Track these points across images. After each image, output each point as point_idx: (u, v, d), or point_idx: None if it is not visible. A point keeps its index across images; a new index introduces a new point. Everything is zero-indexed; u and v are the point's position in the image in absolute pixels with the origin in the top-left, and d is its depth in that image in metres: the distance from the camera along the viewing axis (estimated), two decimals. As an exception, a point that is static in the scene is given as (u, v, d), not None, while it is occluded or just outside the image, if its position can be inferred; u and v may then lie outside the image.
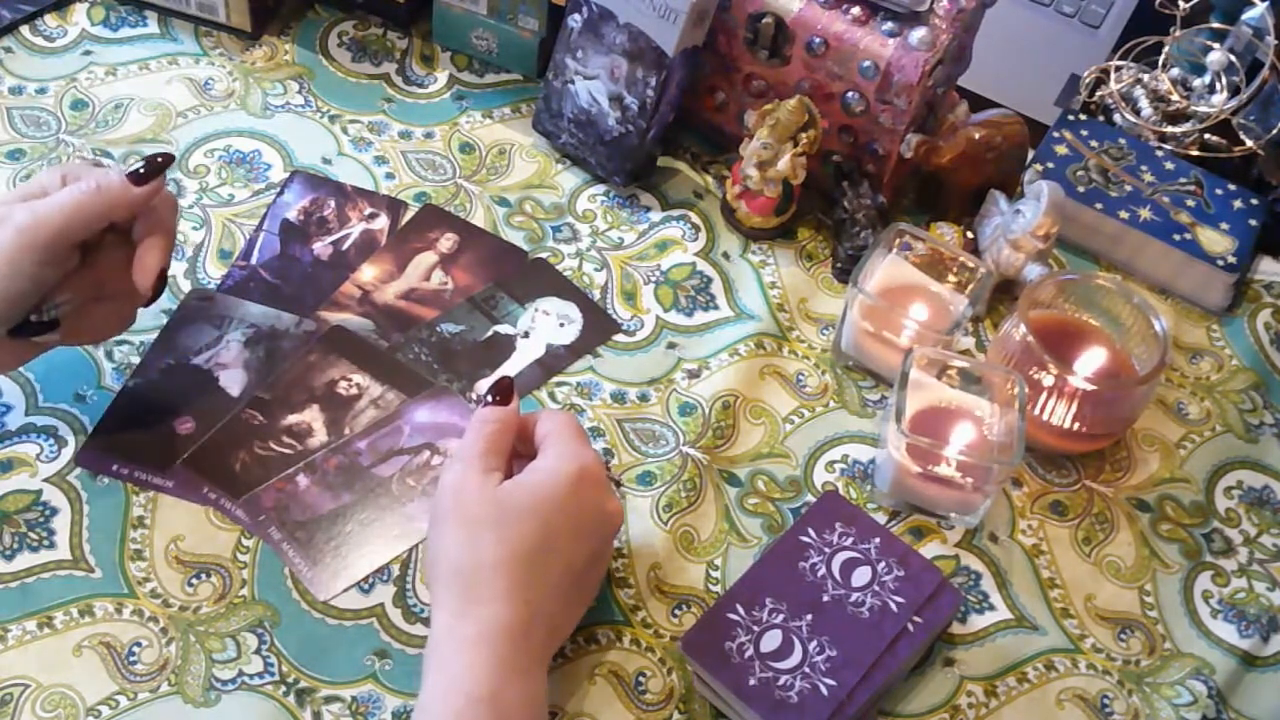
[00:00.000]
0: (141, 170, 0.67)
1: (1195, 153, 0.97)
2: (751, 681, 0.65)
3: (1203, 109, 0.97)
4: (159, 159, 0.67)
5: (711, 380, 0.82)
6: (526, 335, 0.83)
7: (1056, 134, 0.95)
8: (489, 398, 0.68)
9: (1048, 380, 0.77)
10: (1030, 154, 0.94)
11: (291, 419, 0.76)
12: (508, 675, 0.59)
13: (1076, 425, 0.78)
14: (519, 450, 0.68)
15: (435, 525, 0.64)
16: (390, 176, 0.90)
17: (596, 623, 0.71)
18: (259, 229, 0.85)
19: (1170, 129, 0.98)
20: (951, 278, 0.84)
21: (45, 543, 0.70)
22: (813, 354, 0.85)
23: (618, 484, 0.76)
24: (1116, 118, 0.99)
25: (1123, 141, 0.95)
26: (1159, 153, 0.95)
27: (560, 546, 0.63)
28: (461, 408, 0.78)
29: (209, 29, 0.97)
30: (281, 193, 0.88)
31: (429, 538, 0.64)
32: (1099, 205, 0.91)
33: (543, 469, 0.65)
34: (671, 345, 0.84)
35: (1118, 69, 1.00)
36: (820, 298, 0.88)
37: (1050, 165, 0.93)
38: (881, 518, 0.77)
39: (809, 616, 0.68)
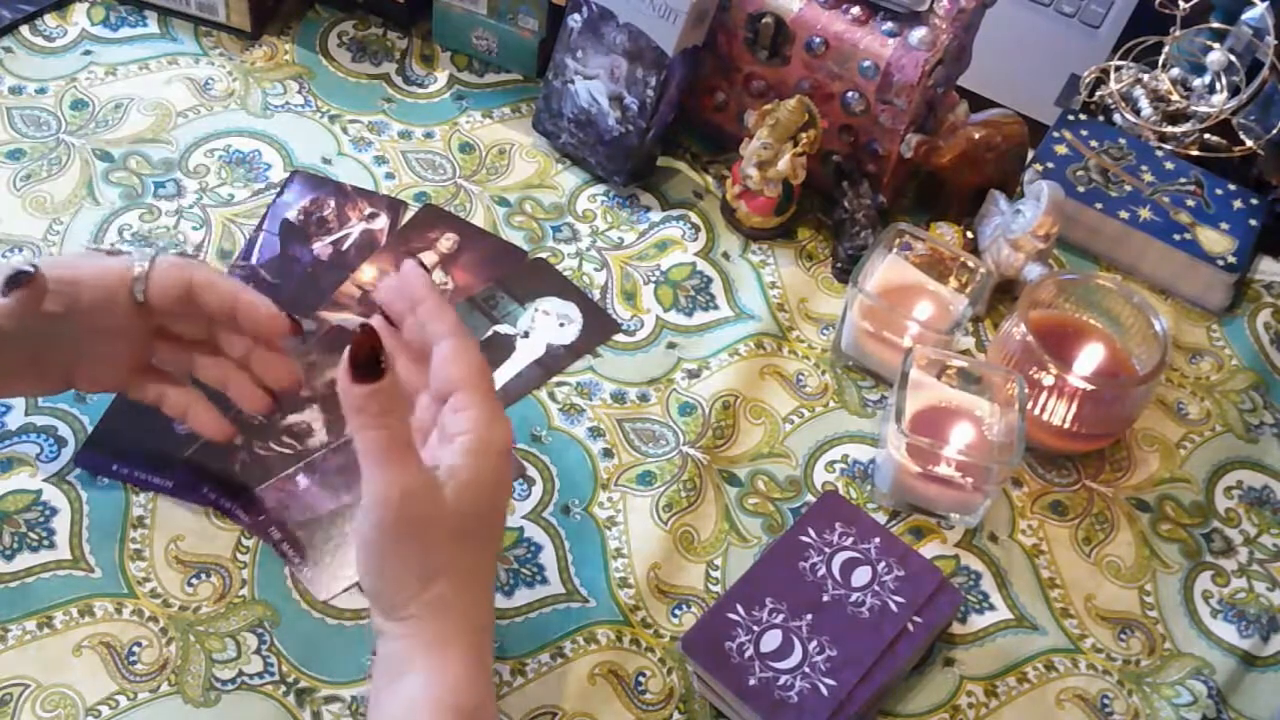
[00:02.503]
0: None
1: (1195, 153, 0.97)
2: (751, 681, 0.65)
3: (1203, 109, 0.97)
4: (19, 276, 0.63)
5: (711, 380, 0.82)
6: (526, 335, 0.83)
7: (1056, 134, 0.95)
8: (353, 367, 0.56)
9: (1047, 380, 0.77)
10: (1030, 154, 0.94)
11: (291, 419, 0.76)
12: (487, 682, 0.58)
13: (1076, 425, 0.78)
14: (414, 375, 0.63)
15: (388, 552, 0.58)
16: (390, 176, 0.90)
17: (596, 623, 0.71)
18: (259, 229, 0.85)
19: (1170, 129, 0.98)
20: (952, 278, 0.84)
21: (45, 543, 0.70)
22: (813, 354, 0.85)
23: None
24: (1116, 118, 0.99)
25: (1123, 141, 0.95)
26: (1159, 153, 0.95)
27: (500, 529, 0.62)
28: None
29: (209, 29, 0.97)
30: (281, 193, 0.88)
31: (379, 555, 0.58)
32: (1099, 205, 0.91)
33: (479, 456, 0.58)
34: (671, 345, 0.84)
35: (1118, 69, 1.00)
36: (820, 298, 0.88)
37: (1050, 165, 0.93)
38: (881, 518, 0.77)
39: (809, 616, 0.68)
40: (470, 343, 0.61)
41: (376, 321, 0.64)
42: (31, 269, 0.63)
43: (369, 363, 0.56)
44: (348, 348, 0.56)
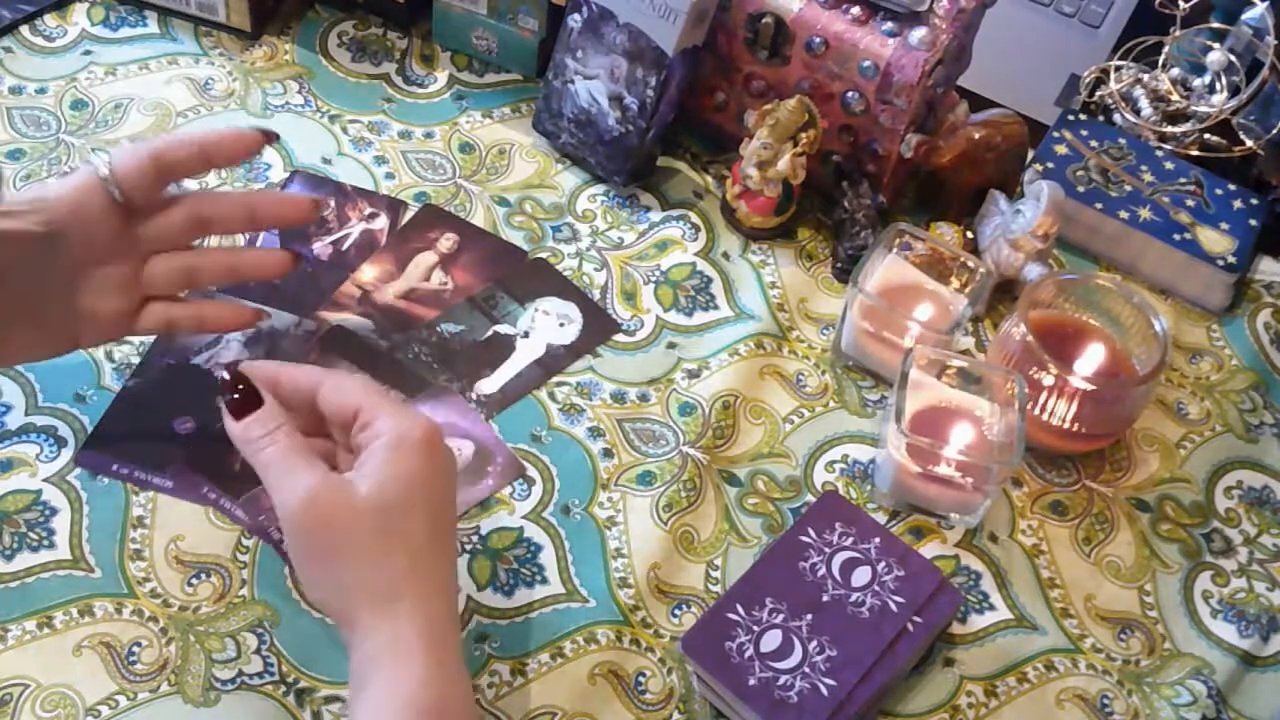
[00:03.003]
0: None
1: (1195, 153, 0.97)
2: (751, 681, 0.65)
3: (1203, 109, 0.97)
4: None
5: (711, 380, 0.82)
6: (526, 335, 0.83)
7: (1056, 134, 0.95)
8: (229, 403, 0.59)
9: (1048, 380, 0.77)
10: (1030, 154, 0.94)
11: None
12: (454, 676, 0.57)
13: (1076, 425, 0.78)
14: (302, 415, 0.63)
15: (316, 560, 0.58)
16: (390, 176, 0.90)
17: (596, 623, 0.71)
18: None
19: (1170, 129, 0.98)
20: (952, 278, 0.84)
21: (45, 543, 0.70)
22: (813, 354, 0.85)
23: None
24: (1116, 118, 0.99)
25: (1123, 141, 0.95)
26: (1159, 153, 0.95)
27: (444, 519, 0.61)
28: (461, 408, 0.78)
29: (209, 29, 0.97)
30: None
31: (312, 573, 0.58)
32: (1099, 205, 0.91)
33: (396, 450, 0.58)
34: (671, 345, 0.84)
35: (1118, 69, 1.00)
36: (820, 298, 0.88)
37: (1050, 165, 0.93)
38: (881, 518, 0.77)
39: (809, 616, 0.68)
40: (342, 374, 0.62)
41: (246, 365, 0.64)
42: None
43: (245, 395, 0.59)
44: (220, 396, 0.59)
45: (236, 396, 0.60)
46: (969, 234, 0.90)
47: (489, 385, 0.80)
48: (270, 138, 0.70)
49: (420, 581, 0.58)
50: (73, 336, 0.68)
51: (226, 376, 0.60)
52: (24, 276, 0.64)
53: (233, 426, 0.60)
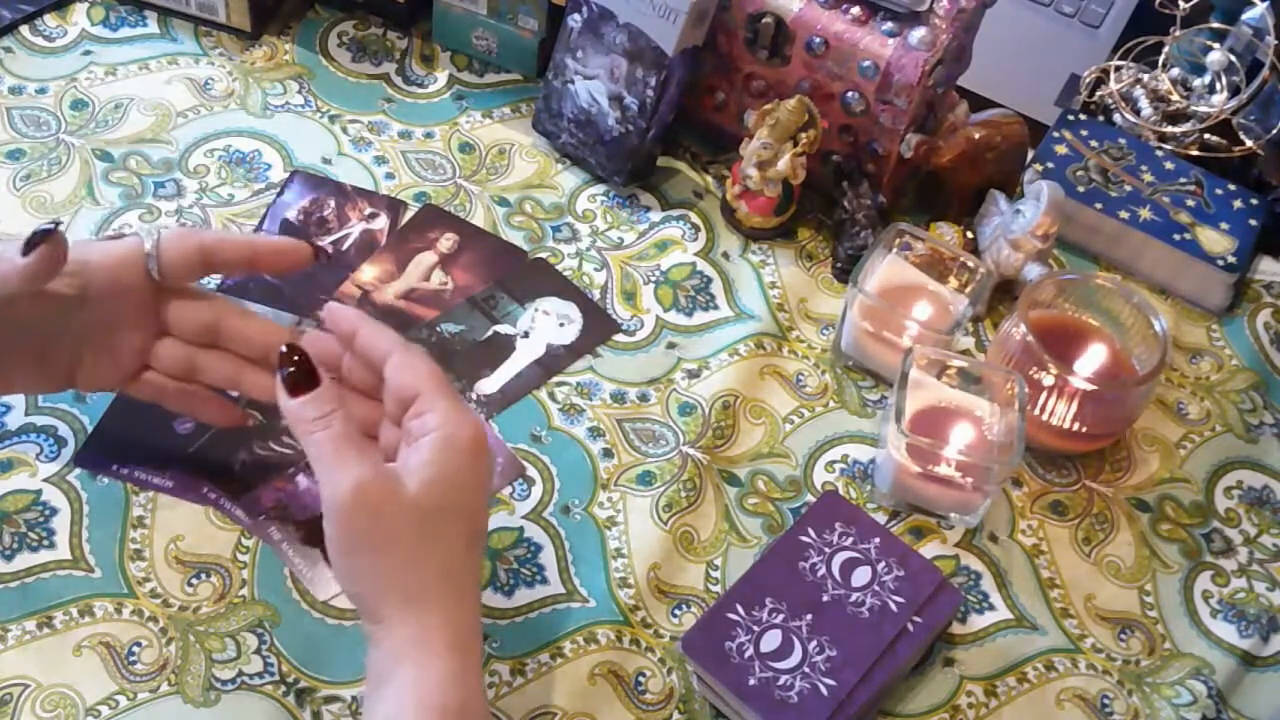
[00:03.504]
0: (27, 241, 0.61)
1: (1195, 153, 0.97)
2: (751, 681, 0.65)
3: (1203, 109, 0.97)
4: (38, 234, 0.60)
5: (711, 380, 0.82)
6: (526, 335, 0.83)
7: (1056, 134, 0.95)
8: (285, 377, 0.58)
9: (1048, 380, 0.77)
10: (1030, 154, 0.94)
11: (291, 419, 0.76)
12: (475, 679, 0.57)
13: (1076, 425, 0.78)
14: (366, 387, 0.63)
15: (354, 552, 0.57)
16: (390, 176, 0.90)
17: (596, 623, 0.71)
18: (259, 229, 0.85)
19: (1170, 129, 0.98)
20: (952, 278, 0.84)
21: (45, 543, 0.70)
22: (813, 354, 0.85)
23: None
24: (1116, 118, 0.99)
25: (1123, 141, 0.95)
26: (1159, 153, 0.95)
27: (480, 525, 0.61)
28: (461, 408, 0.78)
29: (209, 29, 0.97)
30: (281, 192, 0.88)
31: (347, 563, 0.58)
32: (1099, 205, 0.91)
33: (444, 450, 0.58)
34: (671, 345, 0.84)
35: (1118, 69, 1.00)
36: (820, 298, 0.88)
37: (1050, 165, 0.93)
38: (881, 518, 0.77)
39: (809, 616, 0.68)
40: (417, 351, 0.61)
41: (307, 338, 0.64)
42: (52, 225, 0.61)
43: (302, 372, 0.58)
44: (279, 370, 0.58)
45: (292, 371, 0.59)
46: (969, 234, 0.90)
47: (489, 385, 0.80)
48: (321, 255, 0.69)
49: (452, 585, 0.58)
50: (70, 381, 0.68)
51: (284, 350, 0.59)
52: (44, 329, 0.65)
53: (287, 402, 0.59)
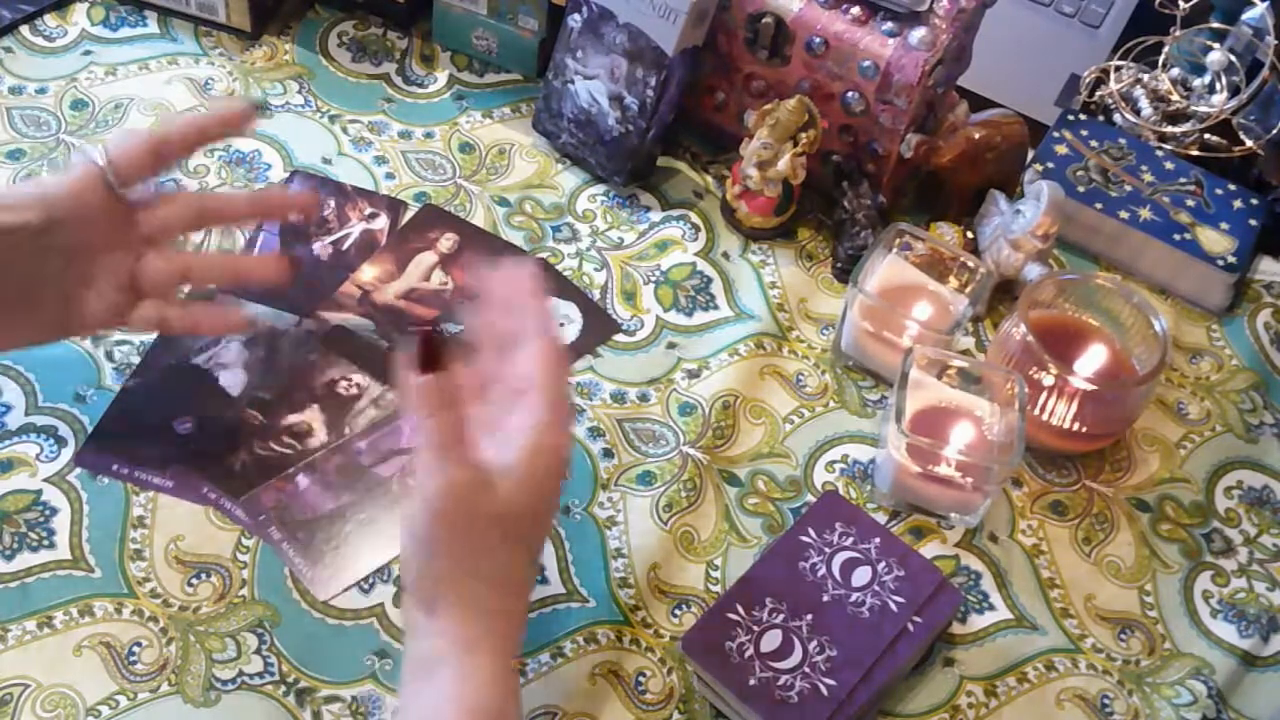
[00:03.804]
0: None
1: (1195, 153, 0.97)
2: (751, 681, 0.65)
3: (1203, 109, 0.97)
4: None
5: (711, 380, 0.82)
6: (526, 335, 0.83)
7: (1056, 134, 0.95)
8: (416, 361, 0.58)
9: (1048, 380, 0.77)
10: (1030, 154, 0.94)
11: (291, 419, 0.76)
12: (515, 687, 0.59)
13: (1076, 425, 0.78)
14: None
15: (428, 545, 0.58)
16: (390, 176, 0.90)
17: (596, 623, 0.71)
18: (259, 229, 0.85)
19: (1170, 129, 0.98)
20: (951, 278, 0.84)
21: (45, 543, 0.70)
22: (813, 354, 0.85)
23: None
24: (1116, 118, 0.99)
25: (1123, 141, 0.95)
26: (1159, 153, 0.95)
27: (543, 537, 0.63)
28: (461, 408, 0.78)
29: (209, 29, 0.97)
30: (281, 193, 0.88)
31: (416, 553, 0.58)
32: (1099, 205, 0.91)
33: (534, 456, 0.59)
34: (671, 345, 0.84)
35: (1118, 69, 1.00)
36: (820, 298, 0.88)
37: (1050, 165, 0.93)
38: (881, 518, 0.77)
39: (809, 616, 0.68)
40: (557, 349, 0.61)
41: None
42: None
43: (433, 355, 0.58)
44: (417, 341, 0.58)
45: (425, 350, 0.59)
46: (969, 234, 0.90)
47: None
48: (259, 108, 0.70)
49: (509, 594, 0.60)
50: (65, 324, 0.68)
51: (429, 329, 0.60)
52: (22, 267, 0.65)
53: (412, 379, 0.59)
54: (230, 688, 0.66)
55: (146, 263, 0.68)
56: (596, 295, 0.85)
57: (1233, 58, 0.96)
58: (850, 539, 0.71)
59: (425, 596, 0.58)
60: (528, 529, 0.60)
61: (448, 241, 0.87)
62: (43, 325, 0.68)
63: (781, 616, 0.68)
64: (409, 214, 0.88)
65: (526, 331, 0.62)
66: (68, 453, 0.73)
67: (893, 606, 0.68)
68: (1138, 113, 0.98)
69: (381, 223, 0.87)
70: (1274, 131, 0.95)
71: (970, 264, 0.83)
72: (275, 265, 0.72)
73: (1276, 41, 0.95)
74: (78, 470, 0.72)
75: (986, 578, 0.76)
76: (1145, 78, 0.99)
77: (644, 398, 0.81)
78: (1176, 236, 0.90)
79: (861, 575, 0.70)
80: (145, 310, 0.69)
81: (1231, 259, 0.89)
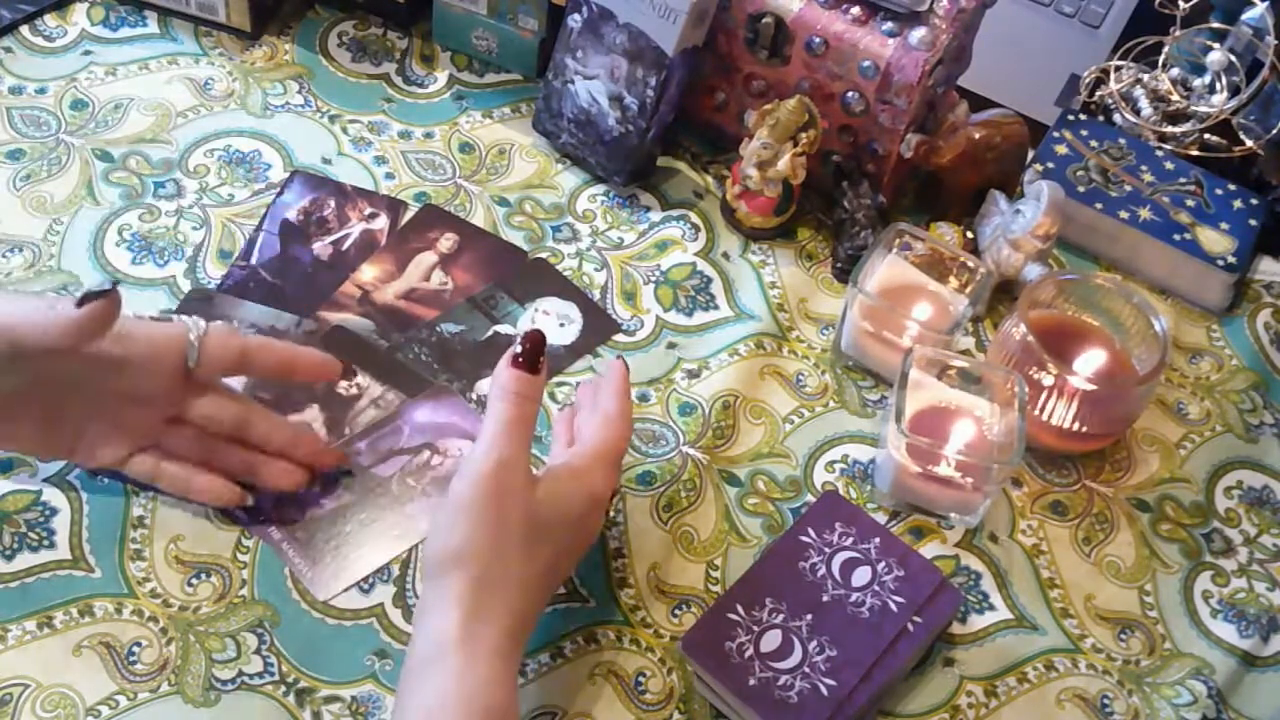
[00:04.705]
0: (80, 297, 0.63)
1: (1195, 153, 0.97)
2: (751, 681, 0.65)
3: (1203, 109, 0.97)
4: (95, 292, 0.63)
5: (711, 380, 0.82)
6: (526, 335, 0.83)
7: (1056, 134, 0.95)
8: (518, 355, 0.63)
9: (1048, 380, 0.77)
10: (1030, 154, 0.94)
11: (291, 419, 0.76)
12: (513, 689, 0.59)
13: (1076, 425, 0.78)
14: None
15: (464, 517, 0.60)
16: (390, 176, 0.90)
17: (596, 623, 0.71)
18: (259, 229, 0.85)
19: (1170, 129, 0.98)
20: (952, 278, 0.84)
21: (45, 543, 0.70)
22: (813, 354, 0.85)
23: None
24: (1116, 118, 0.99)
25: (1123, 141, 0.95)
26: (1159, 153, 0.95)
27: (563, 567, 0.66)
28: (462, 408, 0.78)
29: (209, 29, 0.97)
30: (281, 193, 0.88)
31: (448, 524, 0.60)
32: (1099, 205, 0.91)
33: (575, 478, 0.64)
34: (671, 345, 0.84)
35: (1118, 69, 1.00)
36: (820, 298, 0.88)
37: (1050, 165, 0.93)
38: (881, 518, 0.77)
39: (809, 616, 0.68)
40: (623, 421, 0.68)
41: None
42: (110, 285, 0.63)
43: (531, 358, 0.63)
44: (520, 338, 0.63)
45: (526, 350, 0.63)
46: (969, 234, 0.90)
47: (489, 385, 0.80)
48: (350, 373, 0.76)
49: (522, 597, 0.61)
50: (70, 451, 0.69)
51: (533, 331, 0.64)
52: (69, 391, 0.66)
53: (504, 370, 0.63)
54: (230, 688, 0.66)
55: (174, 431, 0.69)
56: (596, 295, 0.85)
57: (1233, 58, 0.96)
58: (850, 539, 0.71)
59: (438, 568, 0.60)
60: (548, 542, 0.62)
61: (448, 241, 0.87)
62: (50, 443, 0.68)
63: (781, 616, 0.68)
64: (409, 214, 0.88)
65: (599, 400, 0.69)
66: (68, 453, 0.73)
67: (893, 606, 0.68)
68: (1138, 113, 0.98)
69: (381, 223, 0.87)
70: (1274, 131, 0.95)
71: (970, 264, 0.83)
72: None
73: (1276, 41, 0.95)
74: (78, 470, 0.72)
75: (986, 578, 0.76)
76: (1145, 78, 0.99)
77: (644, 398, 0.81)
78: (1176, 236, 0.90)
79: (861, 575, 0.70)
80: (142, 462, 0.69)
81: (1231, 259, 0.89)
